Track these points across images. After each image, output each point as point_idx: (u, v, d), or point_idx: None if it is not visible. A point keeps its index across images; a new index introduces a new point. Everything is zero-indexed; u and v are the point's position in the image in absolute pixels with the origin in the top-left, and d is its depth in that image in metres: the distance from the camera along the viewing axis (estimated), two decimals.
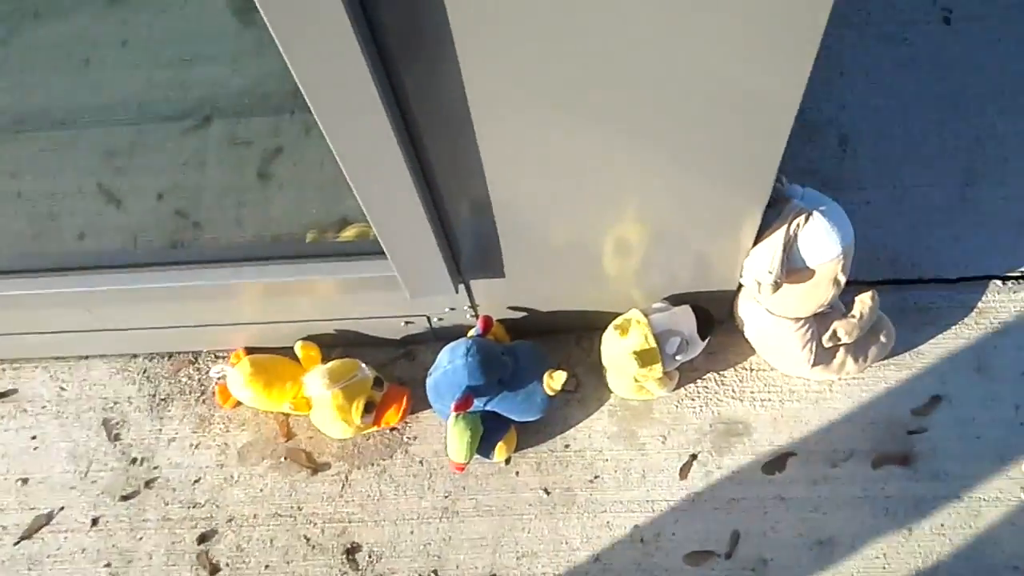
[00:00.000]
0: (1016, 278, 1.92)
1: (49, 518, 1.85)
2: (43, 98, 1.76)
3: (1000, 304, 1.90)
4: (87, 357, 1.97)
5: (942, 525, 1.72)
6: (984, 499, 1.73)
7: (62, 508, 1.86)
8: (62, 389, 1.99)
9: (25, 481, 1.89)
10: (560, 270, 1.61)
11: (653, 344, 1.67)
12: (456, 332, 1.81)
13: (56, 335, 1.88)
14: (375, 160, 1.20)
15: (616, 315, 1.74)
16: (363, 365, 1.79)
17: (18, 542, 1.84)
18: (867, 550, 1.72)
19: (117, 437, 1.94)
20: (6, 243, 1.85)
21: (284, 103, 1.16)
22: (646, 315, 1.69)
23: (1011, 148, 2.03)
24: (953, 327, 1.88)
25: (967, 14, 2.17)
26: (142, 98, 1.57)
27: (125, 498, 1.86)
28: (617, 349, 1.71)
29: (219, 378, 1.84)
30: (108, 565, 1.80)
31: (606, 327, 1.75)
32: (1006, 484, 1.75)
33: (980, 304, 1.90)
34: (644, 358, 1.67)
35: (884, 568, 1.70)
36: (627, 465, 1.82)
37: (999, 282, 1.92)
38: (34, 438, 1.94)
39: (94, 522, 1.84)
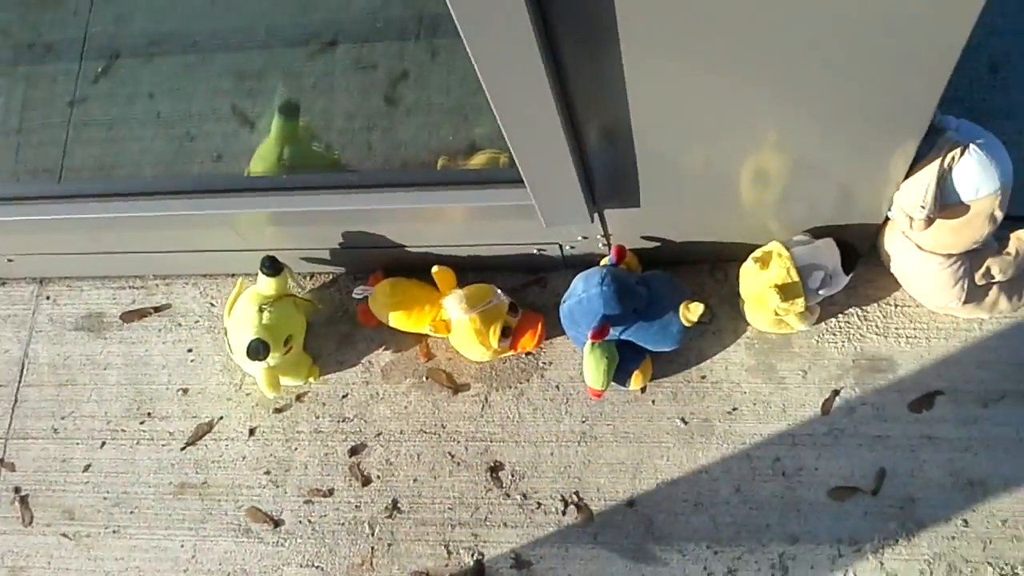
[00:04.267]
0: None
1: (210, 426, 2.08)
2: (175, 22, 1.86)
3: None
4: (233, 275, 2.16)
5: None
6: None
7: (221, 418, 2.08)
8: (211, 305, 2.21)
9: (185, 391, 2.13)
10: (697, 200, 1.67)
11: (796, 278, 1.72)
12: (588, 261, 1.91)
13: (204, 254, 2.09)
14: (520, 87, 1.27)
15: (753, 247, 1.80)
16: (498, 291, 1.90)
17: (184, 447, 2.07)
18: (1021, 493, 1.75)
19: None
20: (150, 164, 2.01)
21: (409, 27, 1.21)
22: (787, 248, 1.70)
23: None
24: None
25: None
26: (269, 21, 1.65)
27: (278, 410, 2.08)
28: (758, 282, 1.75)
29: (361, 299, 1.96)
30: (268, 472, 2.03)
31: (742, 258, 1.82)
32: None
33: None
34: (786, 292, 1.72)
35: None
36: (766, 398, 1.89)
37: None
38: (190, 351, 2.17)
39: (251, 432, 2.07)
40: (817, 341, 1.90)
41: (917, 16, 1.13)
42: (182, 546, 2.00)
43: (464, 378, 2.02)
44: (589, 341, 1.77)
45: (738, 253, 1.82)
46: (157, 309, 2.22)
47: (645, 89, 1.32)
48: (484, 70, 1.24)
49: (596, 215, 1.72)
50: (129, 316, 2.21)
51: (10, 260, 2.16)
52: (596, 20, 1.17)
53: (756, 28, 1.17)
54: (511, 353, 1.98)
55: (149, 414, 2.11)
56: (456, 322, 1.90)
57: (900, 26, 1.15)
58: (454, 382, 2.02)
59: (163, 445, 2.08)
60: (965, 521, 1.75)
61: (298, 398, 2.06)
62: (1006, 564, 1.71)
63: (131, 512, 2.04)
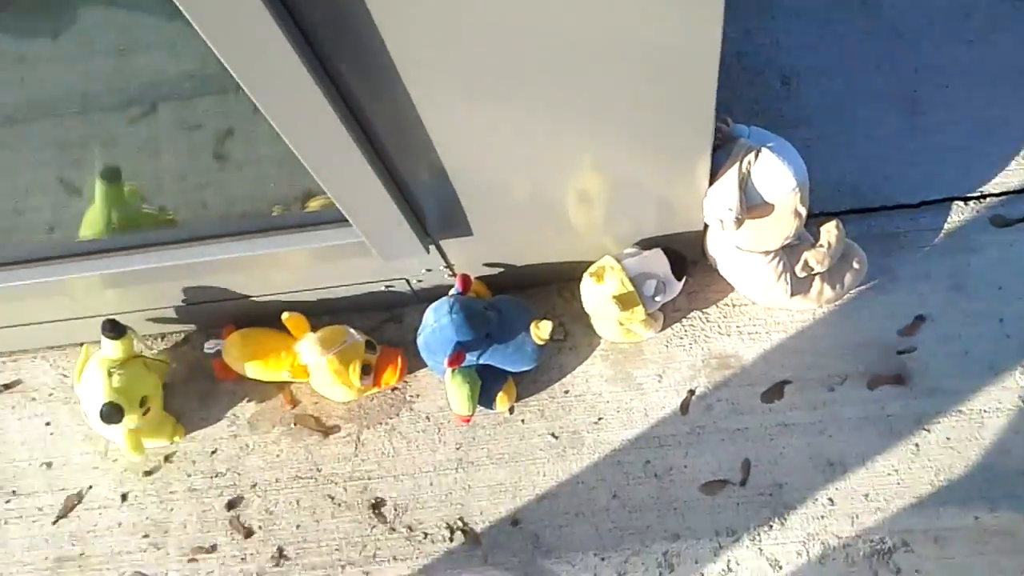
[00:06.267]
0: (976, 198, 2.00)
1: (80, 497, 2.05)
2: None
3: (966, 223, 1.98)
4: (81, 344, 2.11)
5: (948, 439, 1.83)
6: (985, 410, 1.84)
7: (91, 487, 2.05)
8: (64, 376, 2.19)
9: (49, 465, 2.10)
10: (526, 225, 1.72)
11: (630, 288, 1.76)
12: (438, 292, 1.95)
13: (48, 325, 2.06)
14: (320, 137, 1.31)
15: (591, 263, 1.81)
16: (351, 330, 1.92)
17: (56, 520, 2.04)
18: (877, 467, 1.83)
19: None
20: None
21: (227, 84, 1.23)
22: (619, 260, 1.75)
23: (949, 76, 2.11)
24: (923, 249, 1.97)
25: None
26: (84, 89, 1.65)
27: (148, 473, 2.05)
28: (596, 296, 1.80)
29: (214, 353, 1.96)
30: (147, 536, 2.02)
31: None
32: (1004, 395, 1.85)
33: (946, 225, 1.98)
34: (624, 302, 1.77)
35: (898, 484, 1.82)
36: (628, 405, 1.95)
37: (961, 203, 1.98)
38: (48, 424, 2.14)
39: (123, 497, 2.05)
40: (667, 346, 1.96)
41: (668, 40, 1.20)
42: None
43: (333, 420, 2.03)
44: (448, 368, 1.80)
45: (579, 271, 1.88)
46: (7, 386, 2.19)
47: (442, 127, 1.37)
48: (276, 120, 1.27)
49: (433, 247, 1.75)
50: None
51: None
52: (377, 64, 1.21)
53: (525, 64, 1.23)
54: (375, 390, 2.00)
55: (14, 492, 2.07)
56: (314, 365, 1.91)
57: (657, 49, 1.21)
58: (323, 425, 2.03)
59: (33, 521, 2.04)
60: (831, 500, 1.82)
61: (167, 459, 2.05)
62: (875, 537, 1.78)
63: None
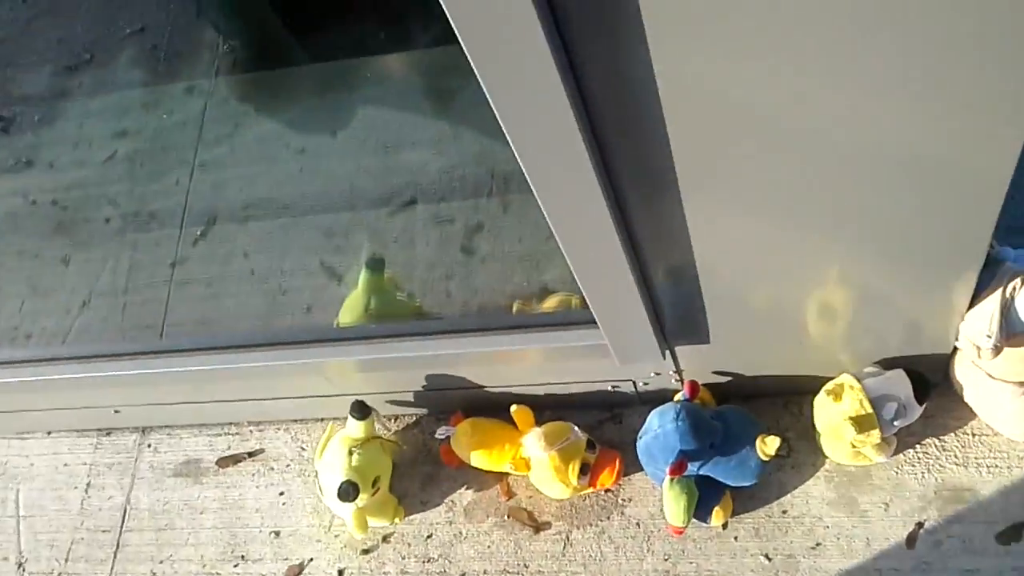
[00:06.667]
0: None
1: (300, 568, 2.14)
2: (267, 188, 2.05)
3: None
4: (322, 419, 2.25)
5: None
6: None
7: (311, 559, 2.14)
8: (302, 449, 2.31)
9: (277, 534, 2.20)
10: (767, 335, 1.72)
11: (869, 409, 1.73)
12: (662, 396, 1.96)
13: (295, 400, 2.21)
14: (588, 233, 1.37)
15: (825, 379, 1.82)
16: (575, 428, 1.95)
17: None
18: None
19: None
20: (245, 318, 2.15)
21: (481, 184, 1.33)
22: (859, 380, 1.73)
23: None
24: None
25: None
26: (353, 184, 1.82)
27: (366, 552, 2.12)
28: (831, 414, 1.77)
29: (443, 439, 2.03)
30: None
31: (815, 391, 1.84)
32: None
33: None
34: (860, 423, 1.74)
35: None
36: (849, 532, 1.88)
37: None
38: (282, 494, 2.25)
39: (340, 573, 2.12)
40: (897, 473, 1.90)
41: (959, 164, 1.21)
42: None
43: (545, 516, 2.05)
44: (668, 477, 1.80)
45: (811, 386, 1.86)
46: (251, 454, 2.32)
47: (707, 234, 1.41)
48: (555, 223, 1.35)
49: (667, 352, 1.78)
50: (224, 462, 2.32)
51: (116, 411, 2.33)
52: (657, 172, 1.27)
53: (809, 181, 1.26)
54: (590, 490, 2.01)
55: (243, 557, 2.19)
56: (535, 460, 1.95)
57: (944, 173, 1.22)
58: (535, 520, 2.05)
59: None
60: None
61: (384, 539, 2.11)
62: None
63: None
